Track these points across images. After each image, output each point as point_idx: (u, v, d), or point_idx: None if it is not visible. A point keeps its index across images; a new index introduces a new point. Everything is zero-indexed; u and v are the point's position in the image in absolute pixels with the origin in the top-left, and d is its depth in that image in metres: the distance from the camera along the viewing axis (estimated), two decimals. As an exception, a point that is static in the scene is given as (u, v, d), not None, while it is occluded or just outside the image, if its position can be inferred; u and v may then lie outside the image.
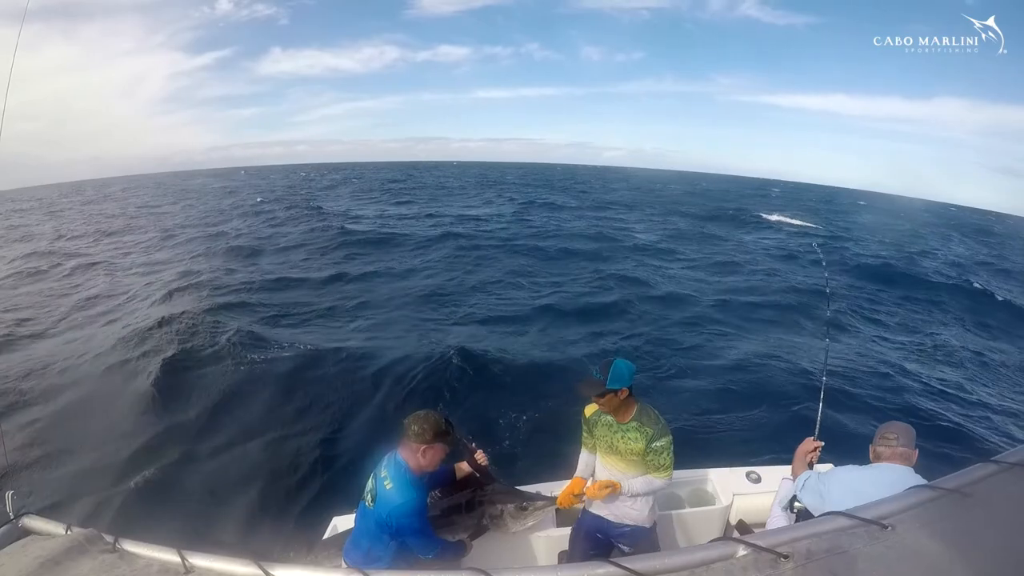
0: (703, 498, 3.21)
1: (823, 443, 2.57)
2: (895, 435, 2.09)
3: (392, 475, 2.17)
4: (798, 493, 2.21)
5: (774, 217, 31.15)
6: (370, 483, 2.27)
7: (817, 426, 2.74)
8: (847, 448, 2.85)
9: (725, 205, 39.19)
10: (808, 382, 6.85)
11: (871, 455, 2.16)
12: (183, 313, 9.46)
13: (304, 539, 2.95)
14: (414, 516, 2.13)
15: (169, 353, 7.66)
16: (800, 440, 2.60)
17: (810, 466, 2.53)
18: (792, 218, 31.64)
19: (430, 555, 2.22)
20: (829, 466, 2.97)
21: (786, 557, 0.80)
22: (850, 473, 2.08)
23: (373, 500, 2.20)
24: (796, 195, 71.21)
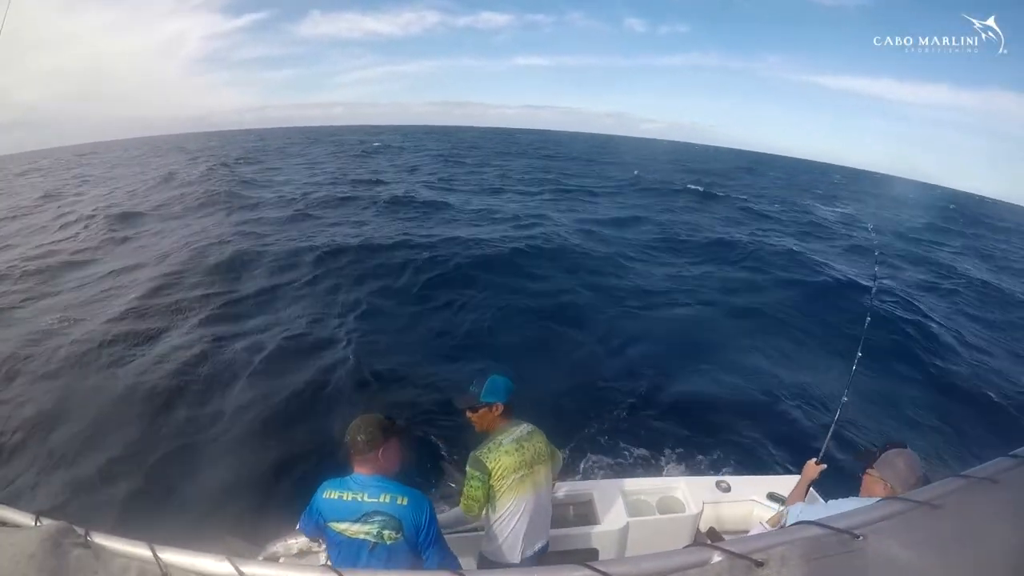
0: (672, 505, 3.25)
1: (825, 466, 2.39)
2: (910, 466, 1.82)
3: (389, 490, 1.92)
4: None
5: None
6: (361, 527, 1.88)
7: (824, 446, 2.48)
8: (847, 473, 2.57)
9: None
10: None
11: (883, 488, 1.82)
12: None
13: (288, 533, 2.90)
14: (434, 513, 1.98)
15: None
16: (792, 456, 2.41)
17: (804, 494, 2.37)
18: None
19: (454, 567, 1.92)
20: (815, 497, 2.66)
21: (760, 564, 0.80)
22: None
23: (398, 531, 1.87)
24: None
